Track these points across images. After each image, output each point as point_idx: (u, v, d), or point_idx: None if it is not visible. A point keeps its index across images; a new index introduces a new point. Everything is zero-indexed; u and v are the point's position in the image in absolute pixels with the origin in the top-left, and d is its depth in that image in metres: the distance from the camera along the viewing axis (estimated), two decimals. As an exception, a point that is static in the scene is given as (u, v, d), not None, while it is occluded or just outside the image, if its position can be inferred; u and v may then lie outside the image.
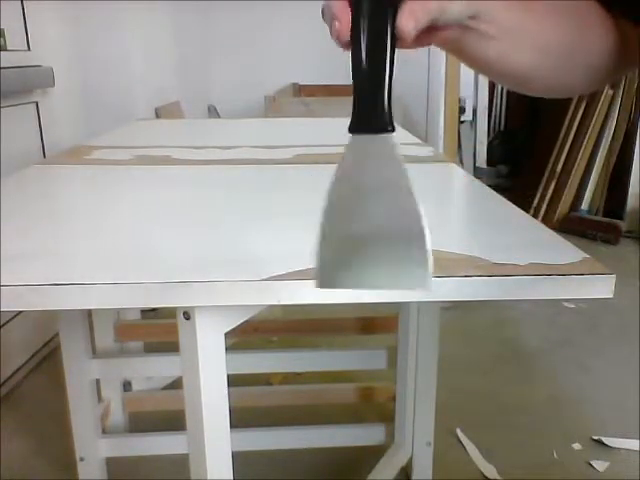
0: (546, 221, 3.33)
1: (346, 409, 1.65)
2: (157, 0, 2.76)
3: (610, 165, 3.43)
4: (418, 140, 1.51)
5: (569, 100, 3.43)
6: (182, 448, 0.77)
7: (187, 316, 0.64)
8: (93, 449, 1.34)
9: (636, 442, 1.57)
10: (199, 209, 0.90)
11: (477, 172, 4.21)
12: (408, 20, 0.42)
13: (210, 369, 0.67)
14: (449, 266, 0.61)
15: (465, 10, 0.46)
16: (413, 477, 1.41)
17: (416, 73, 3.26)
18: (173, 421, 1.02)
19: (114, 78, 2.44)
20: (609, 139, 3.39)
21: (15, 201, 0.94)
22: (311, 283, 0.59)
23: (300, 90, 3.47)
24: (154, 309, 1.80)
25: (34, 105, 2.01)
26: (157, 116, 2.70)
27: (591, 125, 3.38)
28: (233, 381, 0.74)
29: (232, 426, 0.71)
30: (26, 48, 1.95)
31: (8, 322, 1.81)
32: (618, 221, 3.30)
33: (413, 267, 0.45)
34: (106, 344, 1.50)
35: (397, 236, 0.45)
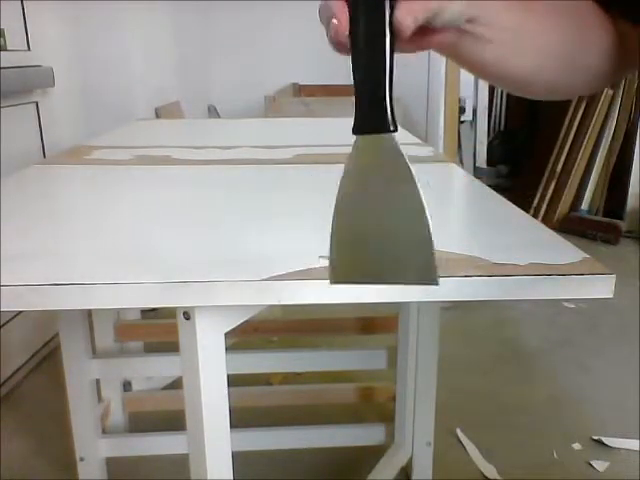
0: (546, 221, 3.33)
1: (346, 409, 1.65)
2: (157, 0, 2.76)
3: (610, 165, 3.43)
4: (418, 140, 1.51)
5: (569, 100, 3.43)
6: (182, 448, 0.77)
7: (187, 316, 0.64)
8: (93, 449, 1.34)
9: (636, 442, 1.57)
10: (199, 209, 0.90)
11: (477, 172, 4.21)
12: (406, 14, 0.42)
13: (210, 369, 0.67)
14: (449, 266, 0.61)
15: (465, 11, 0.46)
16: (413, 477, 1.41)
17: (416, 73, 3.26)
18: (173, 421, 1.02)
19: (114, 78, 2.44)
20: (609, 139, 3.40)
21: (15, 201, 0.94)
22: (311, 283, 0.59)
23: (300, 90, 3.47)
24: (154, 309, 1.80)
25: (34, 105, 2.01)
26: (157, 116, 2.70)
27: (591, 125, 3.38)
28: (233, 381, 0.74)
29: (232, 426, 0.71)
30: (26, 48, 1.95)
31: (8, 322, 1.81)
32: (618, 221, 3.30)
33: (420, 263, 0.47)
34: (106, 344, 1.50)
35: (404, 233, 0.46)
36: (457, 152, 3.90)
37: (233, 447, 0.72)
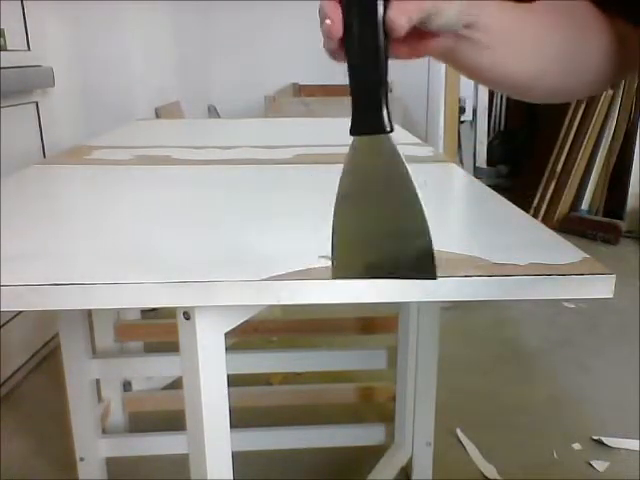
0: (546, 221, 3.33)
1: (346, 409, 1.65)
2: (157, 0, 2.76)
3: (610, 165, 3.43)
4: (418, 140, 1.51)
5: (569, 100, 3.43)
6: (182, 448, 0.76)
7: (187, 316, 0.64)
8: (93, 449, 1.34)
9: (636, 442, 1.57)
10: (199, 209, 0.90)
11: (477, 172, 4.22)
12: (400, 14, 0.42)
13: (210, 369, 0.67)
14: (449, 266, 0.61)
15: (462, 16, 0.45)
16: (413, 477, 1.41)
17: (416, 73, 3.25)
18: (173, 421, 1.02)
19: (114, 78, 2.44)
20: (609, 139, 3.39)
21: (15, 201, 0.95)
22: (311, 283, 0.59)
23: (300, 90, 3.46)
24: (154, 309, 1.80)
25: (34, 105, 2.00)
26: (157, 116, 2.70)
27: (591, 125, 3.38)
28: (233, 381, 0.74)
29: (232, 426, 0.71)
30: (26, 48, 1.95)
31: (8, 322, 1.81)
32: (618, 221, 3.30)
33: (419, 258, 0.48)
34: (106, 344, 1.50)
35: (402, 230, 0.47)
36: (457, 152, 3.90)
37: (233, 447, 0.72)
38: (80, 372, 1.28)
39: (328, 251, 0.49)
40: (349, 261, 0.50)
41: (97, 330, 1.48)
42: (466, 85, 3.75)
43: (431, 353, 1.29)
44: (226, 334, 0.68)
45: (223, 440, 0.71)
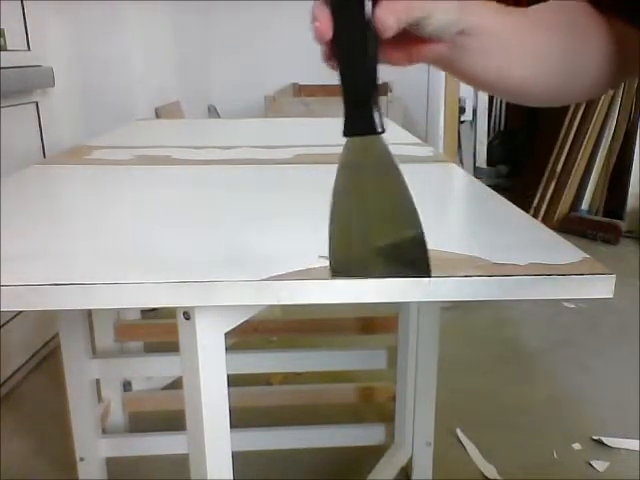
0: (546, 221, 3.33)
1: (346, 409, 1.65)
2: (157, 0, 2.76)
3: (610, 165, 3.43)
4: (418, 140, 1.51)
5: (569, 100, 3.42)
6: (182, 448, 0.76)
7: (187, 316, 0.64)
8: (93, 449, 1.34)
9: (636, 442, 1.57)
10: (199, 209, 0.90)
11: (477, 172, 4.22)
12: (388, 14, 0.41)
13: (210, 369, 0.67)
14: (449, 266, 0.61)
15: (456, 22, 0.45)
16: (413, 477, 1.41)
17: (416, 73, 3.25)
18: (173, 421, 1.02)
19: (114, 78, 2.44)
20: (609, 139, 3.40)
21: (15, 201, 0.94)
22: (311, 283, 0.59)
23: (300, 90, 3.46)
24: (154, 309, 1.80)
25: (34, 105, 2.00)
26: (157, 116, 2.70)
27: (591, 125, 3.38)
28: (233, 381, 0.74)
29: (232, 426, 0.71)
30: (26, 48, 1.95)
31: (8, 322, 1.81)
32: (618, 221, 3.30)
33: (413, 256, 0.49)
34: (106, 344, 1.50)
35: (397, 228, 0.49)
36: (457, 152, 3.90)
37: (233, 447, 0.72)
38: (80, 372, 1.28)
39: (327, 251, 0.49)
40: (346, 260, 0.50)
41: (97, 330, 1.48)
42: (466, 85, 3.75)
43: (431, 353, 1.29)
44: (226, 334, 0.68)
45: (223, 440, 0.71)
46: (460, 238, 0.79)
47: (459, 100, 3.54)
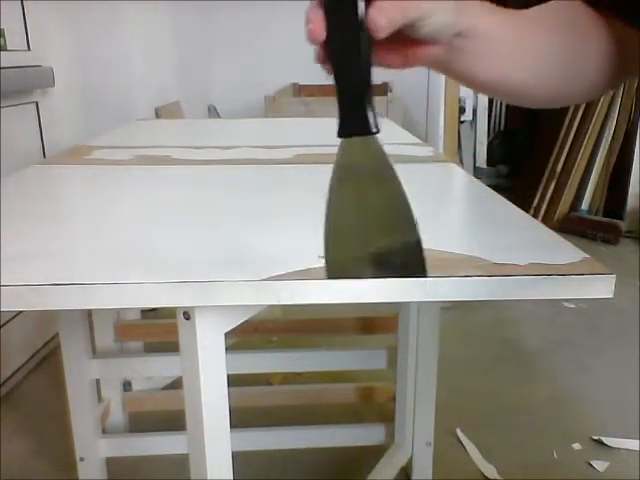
0: (546, 221, 3.33)
1: (346, 409, 1.65)
2: (157, 0, 2.76)
3: (610, 165, 3.43)
4: (418, 140, 1.51)
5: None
6: (182, 448, 0.76)
7: (187, 316, 0.64)
8: (93, 449, 1.34)
9: (636, 442, 1.57)
10: (199, 209, 0.90)
11: (477, 172, 4.22)
12: (380, 14, 0.41)
13: (210, 369, 0.67)
14: (449, 266, 0.61)
15: (452, 24, 0.44)
16: (413, 477, 1.41)
17: (416, 73, 3.25)
18: (173, 421, 1.02)
19: (114, 78, 2.44)
20: (609, 139, 3.40)
21: (15, 201, 0.94)
22: (311, 283, 0.59)
23: (300, 90, 3.46)
24: (154, 309, 1.80)
25: (34, 105, 2.01)
26: (157, 116, 2.70)
27: (591, 125, 3.38)
28: (233, 381, 0.74)
29: (232, 426, 0.71)
30: (26, 48, 1.95)
31: (8, 322, 1.81)
32: (618, 221, 3.30)
33: (409, 256, 0.49)
34: (106, 344, 1.50)
35: (392, 228, 0.49)
36: (457, 152, 3.90)
37: (233, 447, 0.72)
38: (80, 372, 1.28)
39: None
40: (342, 261, 0.50)
41: (97, 330, 1.48)
42: (466, 85, 3.75)
43: (431, 353, 1.29)
44: (226, 334, 0.68)
45: (223, 440, 0.71)
46: (460, 238, 0.79)
47: (459, 100, 3.54)
